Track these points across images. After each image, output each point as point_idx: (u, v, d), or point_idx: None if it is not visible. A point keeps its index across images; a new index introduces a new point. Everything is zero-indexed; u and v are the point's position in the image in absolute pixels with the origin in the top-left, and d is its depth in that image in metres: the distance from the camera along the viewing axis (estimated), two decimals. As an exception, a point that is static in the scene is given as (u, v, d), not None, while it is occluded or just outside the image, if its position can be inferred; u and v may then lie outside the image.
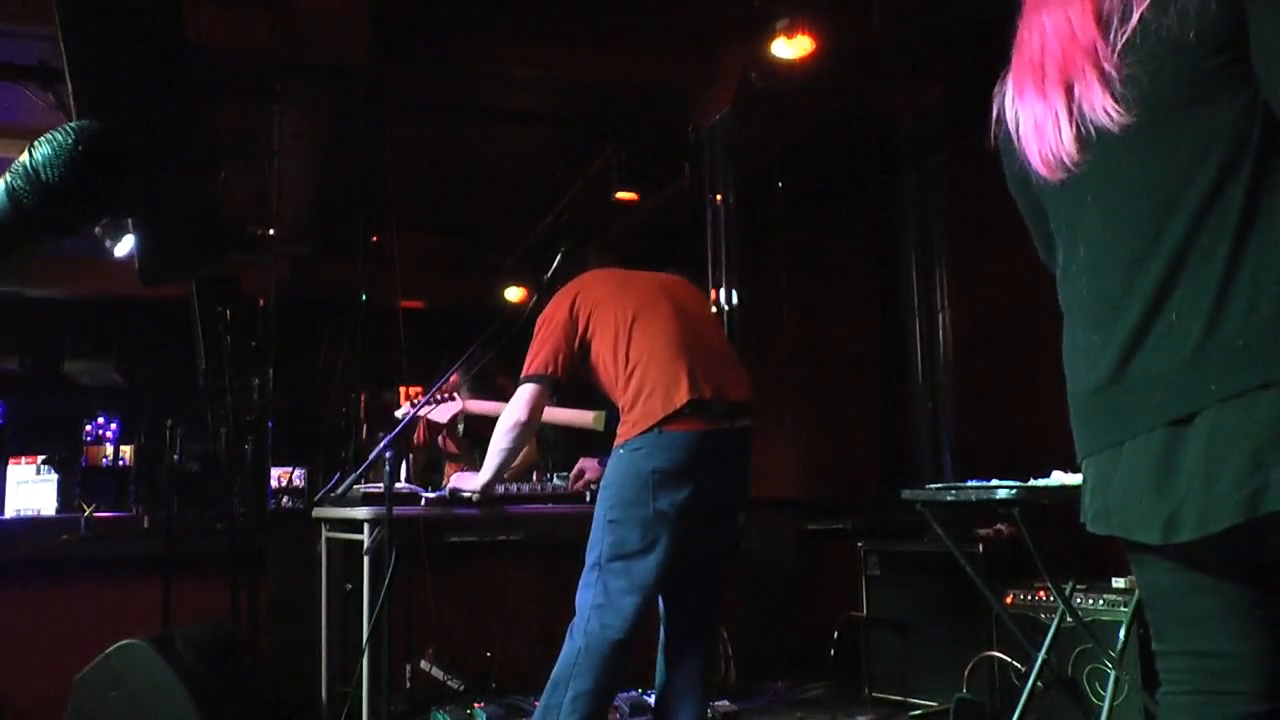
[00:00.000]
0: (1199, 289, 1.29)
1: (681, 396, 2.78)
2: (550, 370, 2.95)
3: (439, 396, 3.88)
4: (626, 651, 2.74)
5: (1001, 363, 5.41)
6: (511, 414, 2.99)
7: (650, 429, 2.77)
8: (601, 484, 2.90)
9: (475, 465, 3.79)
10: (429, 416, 3.97)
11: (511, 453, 3.09)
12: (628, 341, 2.91)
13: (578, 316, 2.98)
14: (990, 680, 3.87)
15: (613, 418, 3.57)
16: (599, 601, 2.75)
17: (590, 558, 2.83)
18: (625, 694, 3.79)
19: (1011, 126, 1.52)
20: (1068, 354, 1.56)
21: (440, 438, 5.13)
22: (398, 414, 4.13)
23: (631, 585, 2.75)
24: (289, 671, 4.01)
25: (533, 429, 3.10)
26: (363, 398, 5.20)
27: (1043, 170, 1.46)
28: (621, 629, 2.72)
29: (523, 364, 3.02)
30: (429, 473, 5.00)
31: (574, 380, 3.05)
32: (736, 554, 4.63)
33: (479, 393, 4.21)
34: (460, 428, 4.66)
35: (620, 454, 2.83)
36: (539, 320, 3.05)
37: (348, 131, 5.85)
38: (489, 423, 3.22)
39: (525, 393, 2.97)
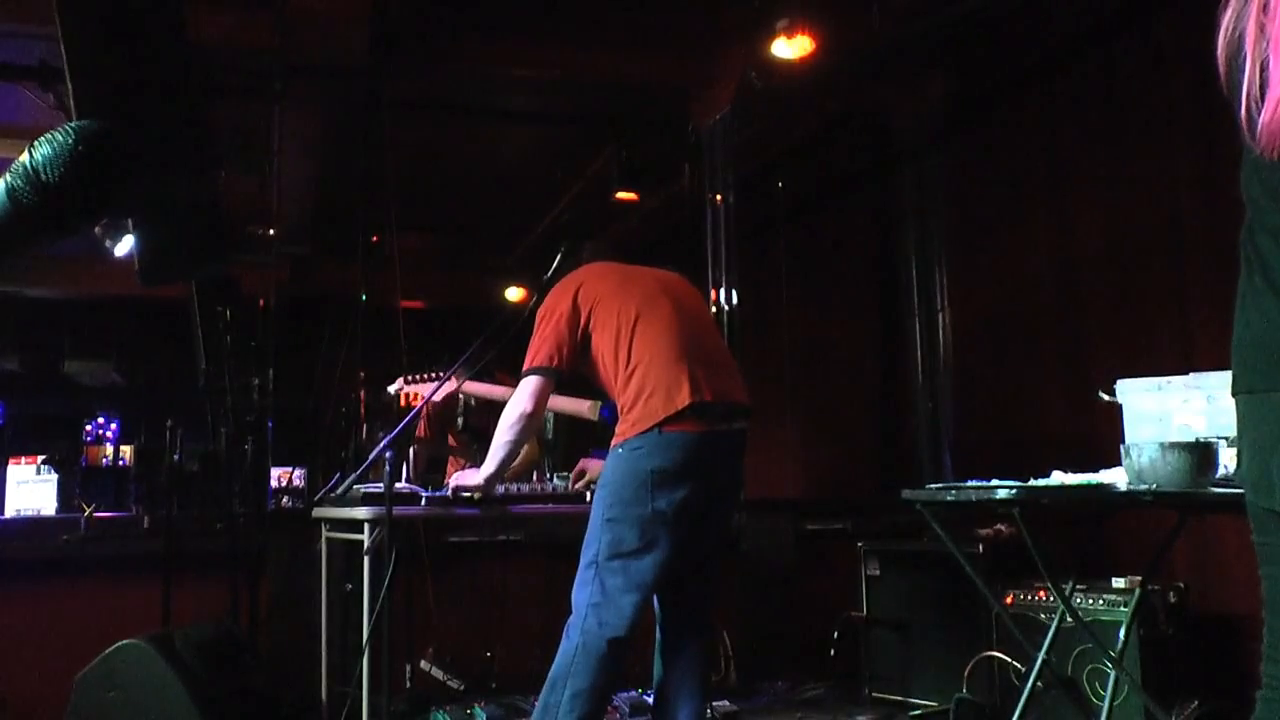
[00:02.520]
0: None
1: (684, 398, 2.78)
2: (554, 363, 2.96)
3: (434, 378, 3.86)
4: (624, 650, 2.74)
5: (1001, 363, 5.41)
6: (516, 406, 2.99)
7: (650, 429, 2.77)
8: (599, 483, 2.91)
9: (476, 460, 3.78)
10: (423, 394, 3.95)
11: (516, 445, 3.09)
12: (630, 340, 2.91)
13: (580, 309, 2.99)
14: (990, 680, 3.87)
15: (607, 408, 3.58)
16: (596, 600, 2.75)
17: (586, 556, 2.82)
18: (625, 694, 3.79)
19: None
20: None
21: (449, 434, 5.13)
22: (391, 389, 4.11)
23: (629, 584, 2.75)
24: (289, 671, 4.01)
25: (538, 421, 3.11)
26: (363, 398, 5.19)
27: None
28: (619, 627, 2.72)
29: (523, 360, 3.03)
30: (431, 473, 5.00)
31: (572, 372, 3.05)
32: (733, 553, 4.63)
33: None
34: (460, 420, 4.65)
35: (619, 453, 2.83)
36: (540, 312, 3.05)
37: (348, 131, 5.84)
38: (490, 417, 3.22)
39: (529, 385, 2.97)
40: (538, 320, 3.04)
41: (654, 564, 2.76)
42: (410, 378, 4.03)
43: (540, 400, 2.99)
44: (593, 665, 2.71)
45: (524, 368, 3.00)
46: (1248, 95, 1.37)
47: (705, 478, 2.81)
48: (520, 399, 2.98)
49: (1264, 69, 1.35)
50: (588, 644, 2.72)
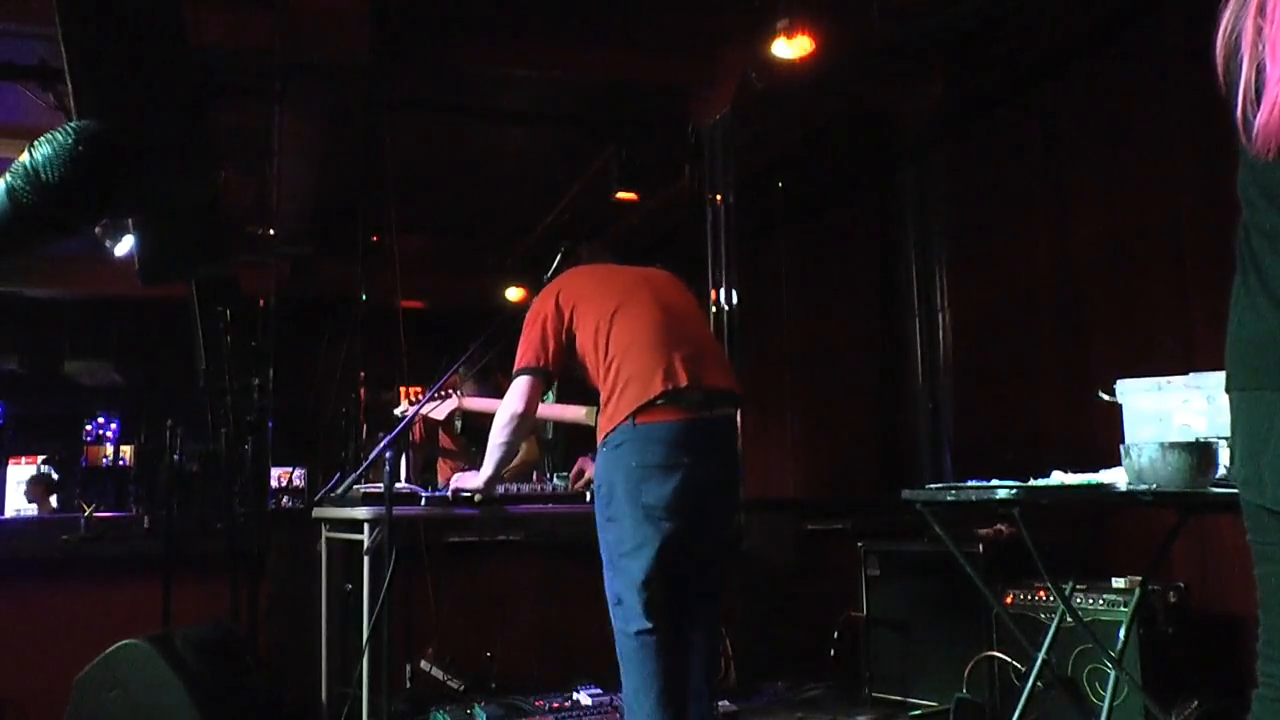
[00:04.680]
0: None
1: (656, 386, 2.77)
2: (541, 362, 2.98)
3: (439, 394, 3.89)
4: (653, 635, 2.74)
5: (1001, 363, 5.41)
6: (508, 407, 3.02)
7: (625, 420, 2.77)
8: (594, 483, 2.92)
9: (472, 462, 3.77)
10: (427, 413, 3.98)
11: (511, 446, 3.11)
12: (608, 334, 2.92)
13: (562, 310, 3.01)
14: (990, 680, 3.87)
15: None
16: (615, 600, 2.81)
17: (602, 558, 2.87)
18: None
19: None
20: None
21: (440, 434, 5.13)
22: (396, 412, 4.13)
23: (631, 581, 2.76)
24: (289, 671, 4.01)
25: (530, 421, 3.11)
26: (363, 398, 5.19)
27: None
28: (637, 621, 2.74)
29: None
30: (428, 473, 4.99)
31: (565, 374, 3.07)
32: (736, 548, 4.63)
33: (479, 390, 4.22)
34: (458, 424, 4.66)
35: (604, 451, 2.85)
36: (527, 316, 3.08)
37: (348, 131, 5.84)
38: (487, 419, 3.23)
39: (519, 385, 3.00)
40: (524, 324, 3.07)
41: (651, 558, 2.75)
42: (416, 401, 4.05)
43: (531, 399, 3.01)
44: (633, 660, 2.74)
45: (513, 370, 3.03)
46: (1244, 96, 1.38)
47: (692, 468, 2.78)
48: (511, 400, 3.01)
49: (1260, 71, 1.36)
50: (621, 644, 2.78)
